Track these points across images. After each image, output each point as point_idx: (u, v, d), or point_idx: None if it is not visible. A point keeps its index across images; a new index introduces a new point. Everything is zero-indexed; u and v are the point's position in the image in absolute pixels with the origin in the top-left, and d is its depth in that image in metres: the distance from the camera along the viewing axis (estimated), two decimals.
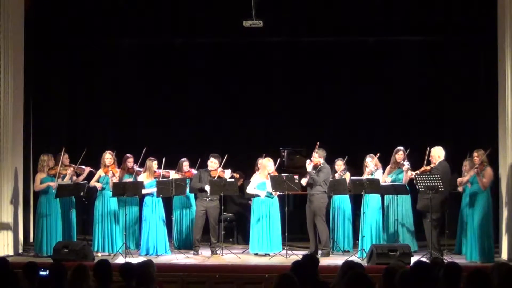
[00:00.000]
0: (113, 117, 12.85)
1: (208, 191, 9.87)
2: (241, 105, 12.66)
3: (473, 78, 11.89)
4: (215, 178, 9.90)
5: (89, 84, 12.62)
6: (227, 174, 10.01)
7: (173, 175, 10.28)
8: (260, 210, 10.01)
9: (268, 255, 9.83)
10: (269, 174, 10.00)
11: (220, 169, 9.99)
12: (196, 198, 10.29)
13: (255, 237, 10.00)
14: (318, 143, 9.86)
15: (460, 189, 9.83)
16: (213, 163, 10.03)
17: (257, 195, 10.07)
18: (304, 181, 9.91)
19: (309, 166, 9.85)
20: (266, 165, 10.11)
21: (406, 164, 9.95)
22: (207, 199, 9.99)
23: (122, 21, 12.03)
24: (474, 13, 11.27)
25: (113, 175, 10.04)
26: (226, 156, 9.93)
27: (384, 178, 10.19)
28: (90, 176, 10.32)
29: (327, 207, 10.19)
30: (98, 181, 10.14)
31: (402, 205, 10.08)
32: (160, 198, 10.07)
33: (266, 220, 9.95)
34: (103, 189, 10.06)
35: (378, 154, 10.21)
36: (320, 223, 9.83)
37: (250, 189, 10.25)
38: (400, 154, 10.15)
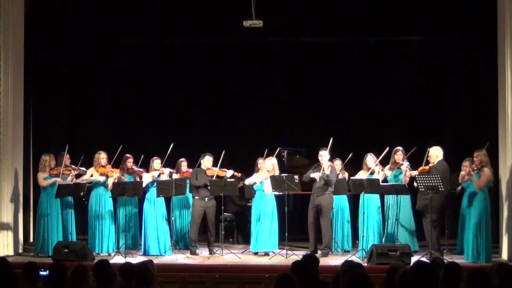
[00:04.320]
0: (113, 117, 12.85)
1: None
2: (241, 105, 12.66)
3: (473, 78, 11.88)
4: (214, 178, 9.89)
5: (89, 84, 12.62)
6: (229, 173, 9.99)
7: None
8: (258, 208, 10.01)
9: (268, 254, 9.83)
10: (268, 171, 9.97)
11: (219, 168, 9.98)
12: (193, 197, 10.26)
13: (254, 236, 10.01)
14: (331, 138, 9.73)
15: (459, 188, 9.82)
16: (209, 161, 10.02)
17: (254, 183, 10.04)
18: (317, 175, 9.76)
19: (328, 169, 9.73)
20: (268, 167, 10.02)
21: (405, 164, 9.90)
22: (206, 199, 9.98)
23: (122, 21, 12.04)
24: (474, 13, 11.27)
25: (119, 176, 10.01)
26: (222, 155, 9.90)
27: (382, 175, 10.05)
28: None
29: None
30: (91, 181, 10.08)
31: (402, 205, 10.00)
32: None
33: (263, 219, 9.95)
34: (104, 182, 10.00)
35: (388, 148, 10.00)
36: (327, 223, 9.81)
37: (247, 181, 10.24)
38: (399, 154, 10.02)
